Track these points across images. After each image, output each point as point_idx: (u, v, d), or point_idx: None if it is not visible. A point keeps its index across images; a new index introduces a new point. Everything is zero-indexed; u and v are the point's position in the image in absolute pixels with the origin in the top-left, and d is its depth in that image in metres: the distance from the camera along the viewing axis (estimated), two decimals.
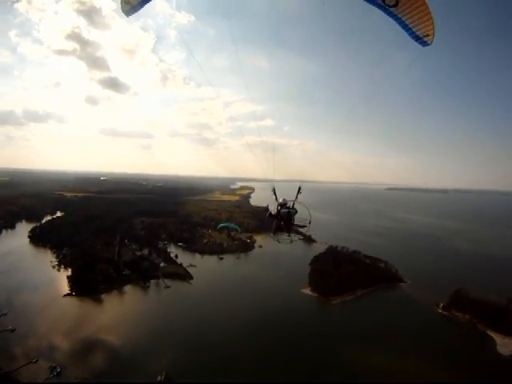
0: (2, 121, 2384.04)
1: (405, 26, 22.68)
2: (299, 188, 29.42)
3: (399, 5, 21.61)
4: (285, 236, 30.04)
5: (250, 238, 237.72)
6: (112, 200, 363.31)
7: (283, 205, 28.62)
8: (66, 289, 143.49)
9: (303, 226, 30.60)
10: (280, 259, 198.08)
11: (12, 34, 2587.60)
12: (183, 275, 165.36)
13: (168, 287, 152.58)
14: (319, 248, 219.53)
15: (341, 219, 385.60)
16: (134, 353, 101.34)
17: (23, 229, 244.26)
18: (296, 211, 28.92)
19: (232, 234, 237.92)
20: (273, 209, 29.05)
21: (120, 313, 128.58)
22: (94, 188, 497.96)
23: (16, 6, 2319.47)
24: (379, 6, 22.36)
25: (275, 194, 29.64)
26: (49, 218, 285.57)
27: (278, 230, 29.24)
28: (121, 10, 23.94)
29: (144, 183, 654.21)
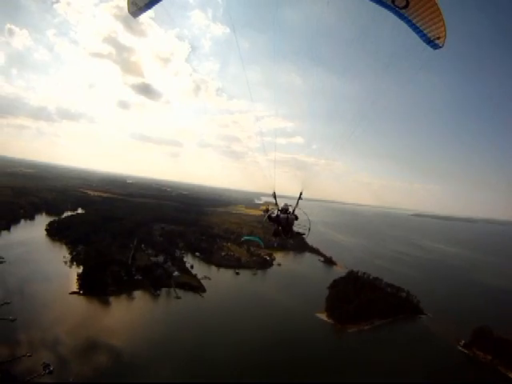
0: (35, 115, 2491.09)
1: (415, 29, 22.60)
2: (300, 194, 29.30)
3: (409, 6, 21.46)
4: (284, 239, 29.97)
5: (270, 254, 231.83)
6: (134, 203, 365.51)
7: (284, 210, 28.52)
8: (74, 286, 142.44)
9: (302, 234, 30.47)
10: (298, 279, 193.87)
11: (50, 33, 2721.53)
12: (196, 287, 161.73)
13: (179, 298, 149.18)
14: (339, 271, 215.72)
15: (364, 243, 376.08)
16: (132, 359, 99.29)
17: (42, 221, 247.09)
18: (296, 217, 28.93)
19: (252, 249, 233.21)
20: (272, 213, 29.08)
21: (124, 317, 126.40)
22: (118, 190, 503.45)
23: (55, 6, 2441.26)
24: (389, 8, 22.30)
25: (275, 199, 29.53)
26: (69, 213, 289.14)
27: (276, 234, 29.21)
28: (127, 11, 24.31)
29: (169, 190, 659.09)
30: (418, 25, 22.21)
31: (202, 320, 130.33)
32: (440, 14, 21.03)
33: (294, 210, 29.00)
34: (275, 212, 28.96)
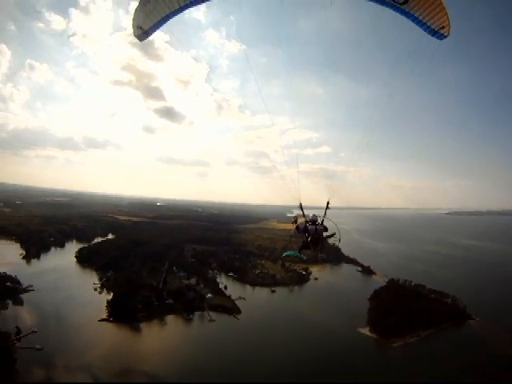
0: (62, 145, 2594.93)
1: (418, 22, 22.71)
2: (327, 204, 29.38)
3: (409, 1, 21.68)
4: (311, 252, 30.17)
5: (306, 269, 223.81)
6: (164, 226, 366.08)
7: (312, 221, 28.46)
8: (103, 313, 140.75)
9: (332, 235, 29.54)
10: (337, 293, 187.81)
11: (69, 65, 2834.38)
12: (230, 308, 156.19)
13: (212, 321, 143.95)
14: (379, 281, 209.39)
15: (400, 248, 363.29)
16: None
17: (72, 248, 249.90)
18: (325, 228, 28.68)
19: (286, 264, 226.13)
20: (300, 224, 28.97)
21: (155, 343, 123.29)
22: (148, 213, 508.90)
23: (72, 39, 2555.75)
24: (390, 5, 22.56)
25: (302, 210, 29.86)
26: (99, 239, 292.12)
27: (304, 246, 29.16)
28: (133, 35, 25.00)
29: (199, 210, 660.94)
30: (420, 18, 22.22)
31: (237, 343, 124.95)
32: (441, 3, 20.95)
33: (322, 221, 28.60)
34: (303, 223, 28.62)
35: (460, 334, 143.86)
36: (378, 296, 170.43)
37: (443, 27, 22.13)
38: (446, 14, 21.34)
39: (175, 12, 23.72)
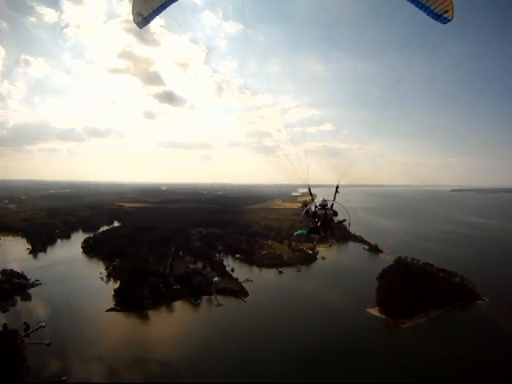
0: (64, 137, 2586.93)
1: (422, 7, 22.38)
2: (336, 188, 28.63)
3: None
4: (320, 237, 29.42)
5: (313, 248, 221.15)
6: (170, 210, 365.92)
7: (322, 206, 27.88)
8: (111, 303, 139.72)
9: (343, 221, 29.40)
10: (344, 272, 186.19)
11: (65, 57, 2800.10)
12: (238, 291, 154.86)
13: (220, 305, 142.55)
14: (386, 259, 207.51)
15: (406, 225, 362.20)
16: (176, 371, 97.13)
17: (78, 239, 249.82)
18: (335, 213, 28.10)
19: (293, 244, 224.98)
20: (309, 208, 28.42)
21: (163, 331, 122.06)
22: (152, 198, 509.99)
23: (65, 30, 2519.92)
24: None
25: (311, 194, 30.11)
26: (105, 228, 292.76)
27: (313, 231, 28.59)
28: (133, 22, 25.02)
29: (204, 192, 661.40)
30: (423, 2, 21.96)
31: (245, 327, 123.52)
32: None
33: (332, 205, 28.12)
34: (312, 208, 28.11)
35: (469, 314, 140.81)
36: (385, 275, 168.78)
37: (447, 11, 21.61)
38: None
39: None
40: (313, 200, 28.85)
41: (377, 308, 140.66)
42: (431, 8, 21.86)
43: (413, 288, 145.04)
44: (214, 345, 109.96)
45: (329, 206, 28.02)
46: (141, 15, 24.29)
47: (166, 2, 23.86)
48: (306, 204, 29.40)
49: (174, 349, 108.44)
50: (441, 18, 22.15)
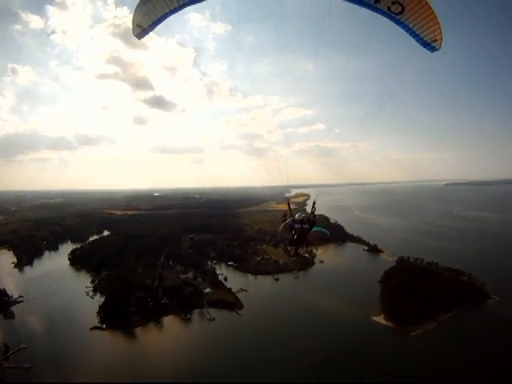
0: (55, 146, 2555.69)
1: (412, 33, 23.10)
2: (314, 203, 30.40)
3: (405, 11, 21.96)
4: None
5: (309, 252, 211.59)
6: (161, 217, 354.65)
7: (298, 221, 28.87)
8: (95, 320, 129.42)
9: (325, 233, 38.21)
10: (344, 277, 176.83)
11: (53, 64, 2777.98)
12: (231, 303, 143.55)
13: (212, 320, 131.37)
14: (388, 260, 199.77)
15: (404, 222, 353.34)
16: None
17: (66, 250, 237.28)
18: (311, 226, 29.22)
19: (289, 248, 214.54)
20: (287, 222, 29.73)
21: (151, 353, 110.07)
22: (145, 205, 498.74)
23: (52, 37, 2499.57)
24: (385, 14, 22.72)
25: (290, 209, 30.74)
26: (94, 238, 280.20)
27: (291, 243, 30.20)
28: (132, 33, 25.17)
29: (197, 197, 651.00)
30: (414, 29, 22.73)
31: (241, 344, 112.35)
32: (435, 17, 21.44)
33: (308, 219, 29.15)
34: (290, 222, 29.24)
35: (480, 316, 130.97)
36: (388, 278, 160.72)
37: (435, 40, 22.59)
38: (440, 28, 21.80)
39: (174, 10, 23.90)
40: (292, 215, 29.64)
41: (382, 315, 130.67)
42: (421, 35, 22.70)
43: (419, 291, 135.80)
44: (206, 366, 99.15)
45: (307, 219, 28.99)
46: (140, 27, 24.51)
47: (165, 14, 23.99)
48: (285, 215, 30.20)
49: (161, 372, 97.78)
50: (429, 46, 23.05)
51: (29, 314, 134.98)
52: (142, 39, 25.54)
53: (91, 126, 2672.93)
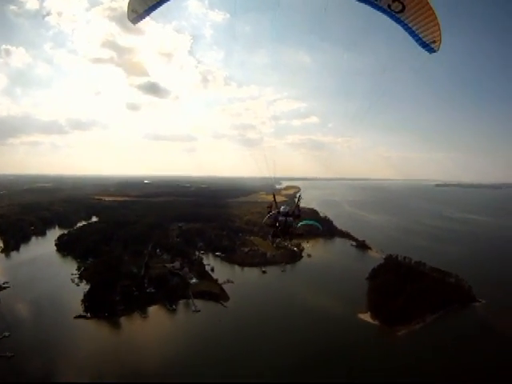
0: (47, 130, 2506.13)
1: (411, 33, 23.07)
2: (299, 196, 32.34)
3: (405, 10, 21.88)
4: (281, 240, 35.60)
5: (298, 245, 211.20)
6: (150, 204, 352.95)
7: (283, 213, 29.40)
8: (80, 308, 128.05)
9: (301, 234, 33.01)
10: (331, 272, 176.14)
11: (47, 46, 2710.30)
12: (217, 295, 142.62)
13: (198, 311, 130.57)
14: (376, 257, 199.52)
15: (393, 220, 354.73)
16: None
17: (54, 236, 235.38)
18: (296, 216, 29.73)
19: (277, 240, 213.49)
20: (271, 214, 29.99)
21: (135, 344, 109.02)
22: (134, 192, 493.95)
23: (47, 19, 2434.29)
24: (385, 12, 22.69)
25: (275, 201, 31.57)
26: (82, 223, 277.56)
27: (274, 235, 30.50)
28: (127, 19, 25.25)
29: (187, 185, 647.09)
30: (413, 29, 22.66)
31: (225, 337, 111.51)
32: (435, 18, 21.38)
33: (293, 212, 29.70)
34: (275, 213, 29.69)
35: (467, 319, 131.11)
36: (376, 275, 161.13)
37: (434, 41, 22.53)
38: (439, 29, 21.67)
39: None
40: (277, 207, 30.20)
41: (369, 313, 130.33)
42: (420, 35, 22.60)
43: (406, 291, 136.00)
44: (190, 356, 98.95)
45: (291, 212, 29.51)
46: (136, 12, 24.50)
47: (161, 0, 23.91)
48: (271, 207, 30.54)
49: (143, 365, 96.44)
50: (428, 47, 23.00)
51: (14, 301, 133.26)
52: (139, 24, 25.74)
53: (84, 110, 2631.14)
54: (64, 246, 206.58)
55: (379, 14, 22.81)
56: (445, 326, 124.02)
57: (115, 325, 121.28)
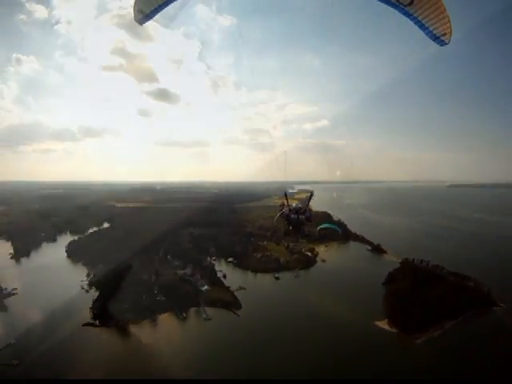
0: (59, 137, 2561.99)
1: (421, 26, 22.92)
2: (311, 194, 31.97)
3: (414, 3, 21.76)
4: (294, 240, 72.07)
5: (312, 250, 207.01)
6: (162, 210, 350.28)
7: (295, 210, 29.88)
8: (89, 316, 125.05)
9: (310, 236, 62.09)
10: (347, 277, 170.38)
11: (57, 54, 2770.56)
12: (229, 303, 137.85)
13: (209, 319, 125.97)
14: (391, 261, 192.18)
15: (408, 222, 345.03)
16: None
17: (64, 242, 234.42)
18: (308, 219, 29.89)
19: (291, 245, 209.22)
20: (283, 212, 30.43)
21: (144, 353, 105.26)
22: (146, 198, 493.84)
23: (56, 27, 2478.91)
24: (394, 6, 22.55)
25: (286, 199, 31.24)
26: (94, 229, 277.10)
27: (286, 233, 31.06)
28: (134, 19, 26.24)
29: (199, 191, 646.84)
30: (423, 22, 22.48)
31: (237, 347, 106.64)
32: (444, 10, 21.42)
33: (305, 211, 30.44)
34: (287, 211, 30.31)
35: (487, 324, 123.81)
36: (392, 280, 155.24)
37: (445, 34, 22.22)
38: (449, 21, 21.45)
39: None
40: (288, 205, 30.56)
41: (386, 320, 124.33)
42: (430, 28, 22.44)
43: (424, 296, 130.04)
44: (200, 366, 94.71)
45: (303, 210, 30.06)
46: (142, 12, 25.18)
47: (168, 0, 24.42)
48: (282, 206, 31.12)
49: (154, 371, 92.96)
50: (438, 39, 22.81)
51: (21, 308, 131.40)
52: (148, 31, 22.56)
53: (96, 117, 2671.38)
54: (74, 253, 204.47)
55: (388, 12, 22.64)
56: (464, 332, 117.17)
57: (124, 333, 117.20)
